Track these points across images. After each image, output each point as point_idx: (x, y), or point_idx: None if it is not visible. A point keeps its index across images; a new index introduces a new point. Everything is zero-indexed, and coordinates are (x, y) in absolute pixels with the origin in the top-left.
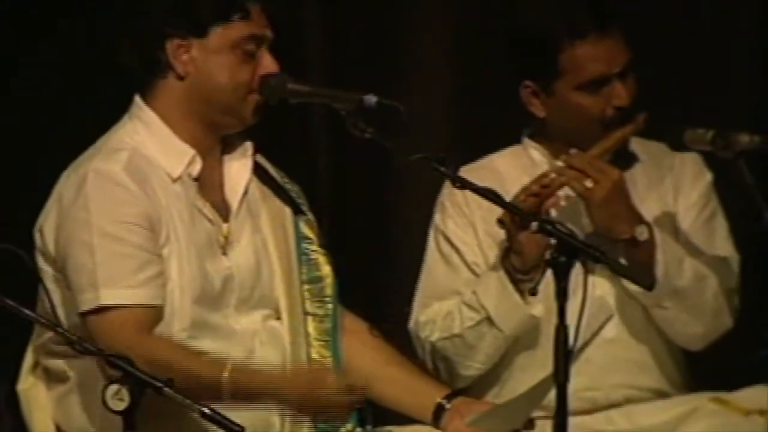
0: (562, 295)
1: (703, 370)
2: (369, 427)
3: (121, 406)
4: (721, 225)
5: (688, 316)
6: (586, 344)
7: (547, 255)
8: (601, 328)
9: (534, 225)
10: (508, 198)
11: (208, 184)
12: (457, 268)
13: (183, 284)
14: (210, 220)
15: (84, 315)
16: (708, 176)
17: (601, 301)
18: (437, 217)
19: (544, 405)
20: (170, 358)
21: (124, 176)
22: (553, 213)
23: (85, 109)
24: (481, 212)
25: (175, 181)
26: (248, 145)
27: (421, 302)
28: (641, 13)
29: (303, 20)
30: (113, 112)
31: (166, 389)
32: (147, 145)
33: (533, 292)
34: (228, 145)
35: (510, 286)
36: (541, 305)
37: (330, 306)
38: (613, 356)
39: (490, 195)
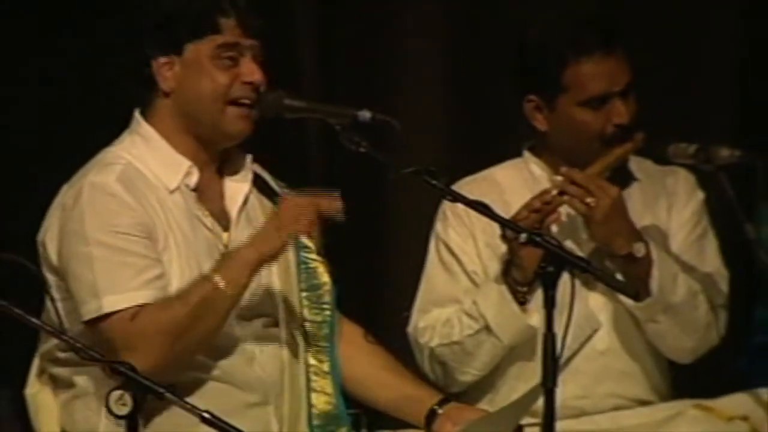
0: (550, 304)
1: (684, 379)
2: (363, 431)
3: (124, 410)
4: (711, 243)
5: (680, 331)
6: (573, 354)
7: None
8: (588, 339)
9: (523, 236)
10: (509, 211)
11: (208, 195)
12: (456, 276)
13: None
14: (210, 230)
15: (88, 324)
16: (700, 195)
17: (589, 313)
18: (438, 226)
19: (533, 411)
20: (170, 312)
21: (117, 187)
22: (554, 228)
23: (88, 120)
24: (481, 224)
25: (172, 192)
26: (248, 157)
27: (421, 308)
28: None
29: (296, 35)
30: (118, 125)
31: (168, 395)
32: (145, 159)
33: (523, 302)
34: (228, 158)
35: (510, 298)
36: (538, 316)
37: (328, 313)
38: (604, 367)
39: (480, 207)
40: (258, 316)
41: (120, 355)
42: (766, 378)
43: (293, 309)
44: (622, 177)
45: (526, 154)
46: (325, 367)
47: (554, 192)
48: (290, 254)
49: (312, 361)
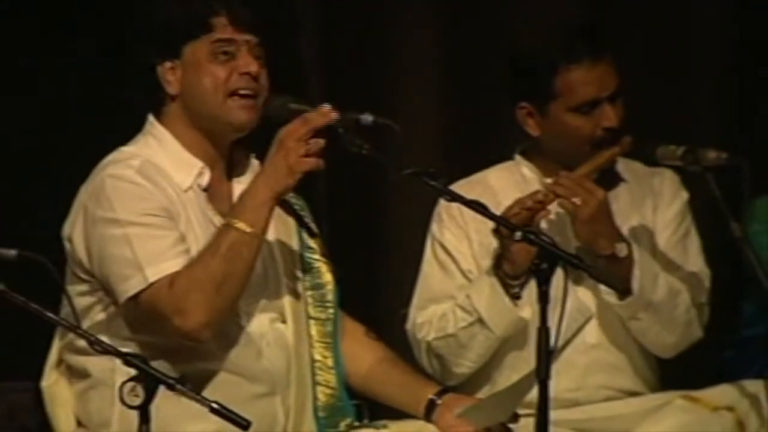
0: (543, 299)
1: (673, 371)
2: (366, 422)
3: (136, 401)
4: (694, 242)
5: (661, 328)
6: (567, 343)
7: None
8: (580, 328)
9: (518, 234)
10: (500, 210)
11: (217, 196)
12: (452, 274)
13: None
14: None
15: (131, 300)
16: (684, 195)
17: (580, 304)
18: (434, 227)
19: (528, 402)
20: (205, 267)
21: (138, 178)
22: (543, 225)
23: (89, 122)
24: (475, 224)
25: (185, 191)
26: (255, 161)
27: (418, 305)
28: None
29: (298, 36)
30: (120, 128)
31: (179, 386)
32: (158, 158)
33: (517, 296)
34: (235, 160)
35: (501, 291)
36: (530, 308)
37: (331, 311)
38: (594, 360)
39: (477, 207)
40: (265, 312)
41: (171, 321)
42: (752, 370)
43: (299, 306)
44: (610, 178)
45: (518, 157)
46: (330, 362)
47: (545, 192)
48: (296, 254)
49: (317, 357)
